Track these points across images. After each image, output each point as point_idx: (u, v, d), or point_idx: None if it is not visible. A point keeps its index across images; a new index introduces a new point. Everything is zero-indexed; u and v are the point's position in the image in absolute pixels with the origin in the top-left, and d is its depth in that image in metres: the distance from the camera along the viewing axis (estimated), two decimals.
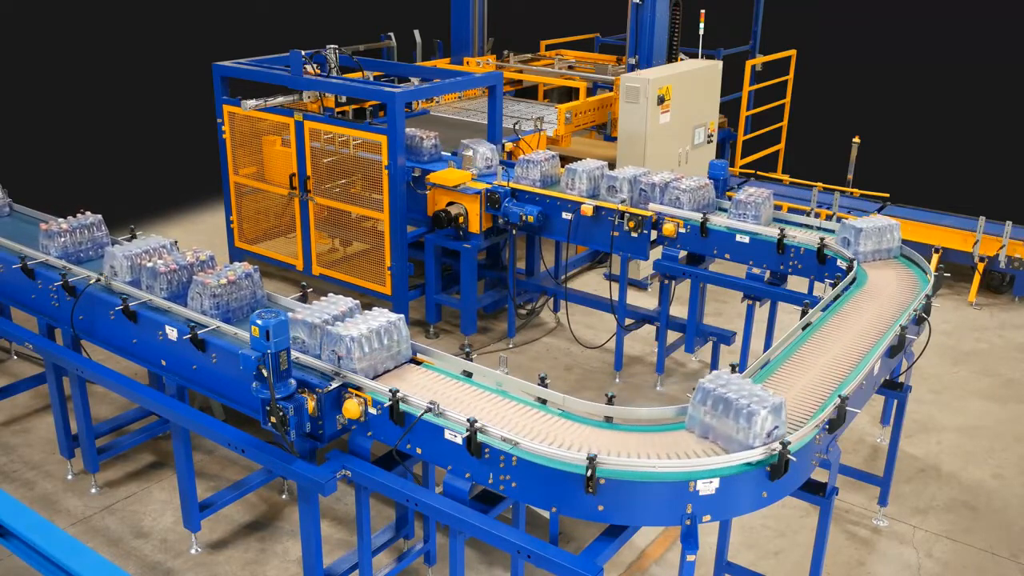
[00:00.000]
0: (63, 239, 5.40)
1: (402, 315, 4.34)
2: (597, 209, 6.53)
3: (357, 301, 4.50)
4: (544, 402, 4.11)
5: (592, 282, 9.11)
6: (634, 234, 6.38)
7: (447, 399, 4.05)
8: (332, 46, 7.55)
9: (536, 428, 3.87)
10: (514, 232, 7.00)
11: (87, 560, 3.13)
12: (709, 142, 9.12)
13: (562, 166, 7.00)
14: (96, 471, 5.74)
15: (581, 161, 6.87)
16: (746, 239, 6.02)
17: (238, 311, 4.78)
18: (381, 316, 4.32)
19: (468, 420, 3.73)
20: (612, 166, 7.36)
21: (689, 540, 3.66)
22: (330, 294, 4.58)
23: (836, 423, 3.91)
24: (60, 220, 5.50)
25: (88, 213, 5.57)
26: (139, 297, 4.92)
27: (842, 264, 5.58)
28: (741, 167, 10.87)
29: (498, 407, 4.03)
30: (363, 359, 4.14)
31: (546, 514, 5.16)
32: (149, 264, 4.92)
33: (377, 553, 4.70)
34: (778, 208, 8.38)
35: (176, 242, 5.54)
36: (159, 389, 5.55)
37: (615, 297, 7.03)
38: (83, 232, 5.49)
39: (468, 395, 4.14)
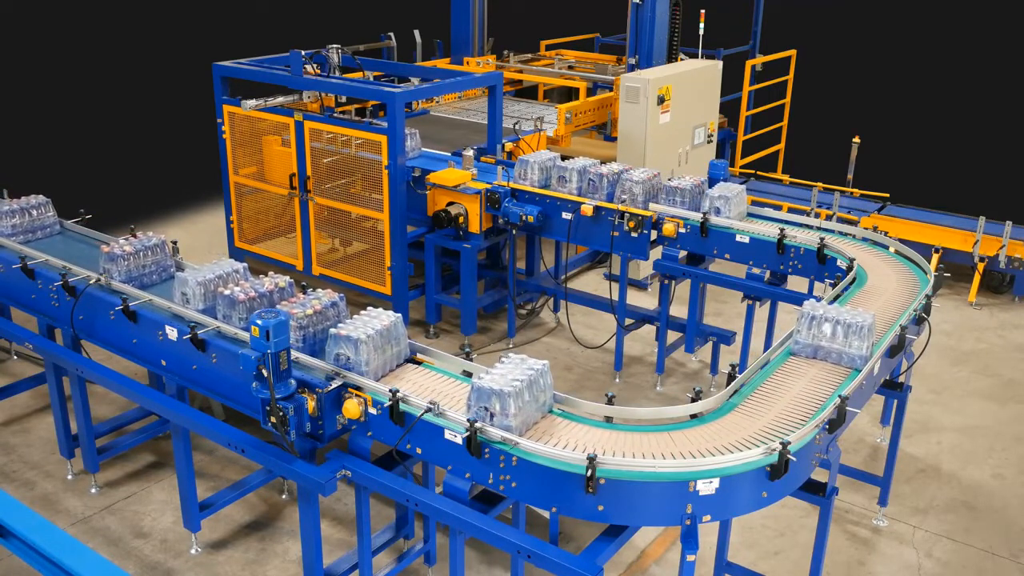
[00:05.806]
0: (127, 262, 5.10)
1: (546, 361, 4.01)
2: (597, 209, 6.53)
3: (399, 315, 4.33)
4: None
5: (592, 282, 9.11)
6: (634, 234, 6.38)
7: (447, 399, 4.05)
8: (333, 46, 7.55)
9: (536, 428, 3.87)
10: (514, 232, 7.00)
11: (87, 560, 3.13)
12: (709, 142, 9.12)
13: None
14: (96, 471, 5.74)
15: (533, 153, 7.03)
16: (746, 239, 6.02)
17: (324, 342, 4.38)
18: (523, 363, 3.95)
19: (468, 420, 3.73)
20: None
21: (689, 540, 3.66)
22: (369, 308, 4.40)
23: (836, 423, 3.91)
24: (121, 241, 5.21)
25: (151, 234, 5.29)
26: (139, 297, 4.92)
27: (842, 264, 5.58)
28: (741, 167, 10.86)
29: None
30: (518, 415, 3.78)
31: (546, 514, 5.16)
32: (226, 292, 4.56)
33: (377, 553, 4.70)
34: (777, 208, 8.37)
35: (176, 243, 5.56)
36: (159, 389, 5.55)
37: (615, 297, 7.02)
38: (146, 255, 5.19)
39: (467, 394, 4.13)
